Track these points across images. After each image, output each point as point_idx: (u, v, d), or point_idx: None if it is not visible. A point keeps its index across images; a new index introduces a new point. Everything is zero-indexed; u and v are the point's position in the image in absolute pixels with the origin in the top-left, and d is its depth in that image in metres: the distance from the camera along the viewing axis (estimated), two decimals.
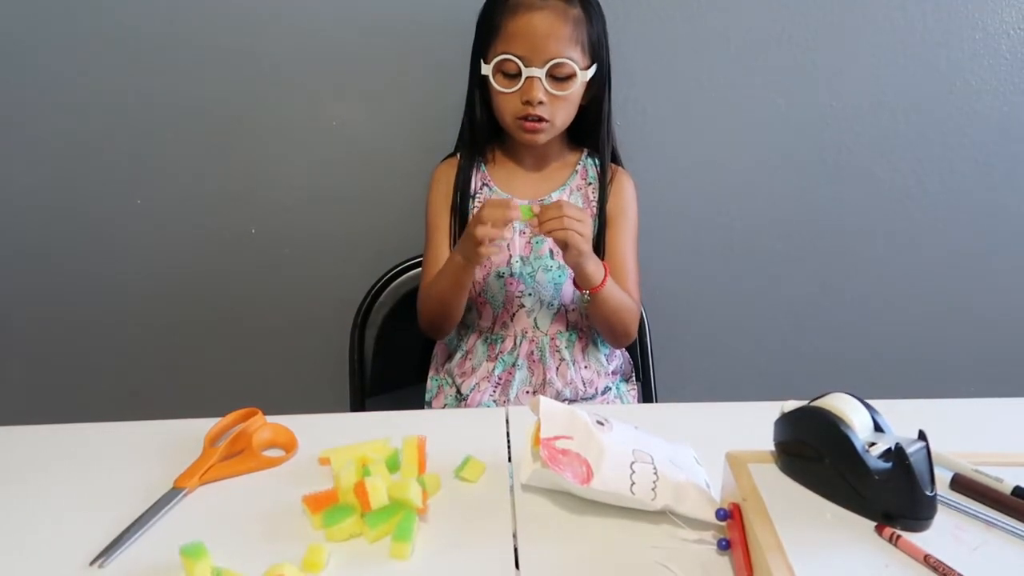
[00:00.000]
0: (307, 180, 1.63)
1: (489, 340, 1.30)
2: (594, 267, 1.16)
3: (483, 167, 1.31)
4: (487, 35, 1.20)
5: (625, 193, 1.31)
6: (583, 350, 1.32)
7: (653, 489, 0.76)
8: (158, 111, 1.56)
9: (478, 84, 1.24)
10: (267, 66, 1.54)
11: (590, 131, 1.29)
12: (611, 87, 1.26)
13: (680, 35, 1.54)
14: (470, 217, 1.27)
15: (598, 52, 1.21)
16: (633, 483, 0.76)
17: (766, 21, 1.54)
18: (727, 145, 1.63)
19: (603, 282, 1.17)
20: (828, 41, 1.55)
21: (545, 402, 0.82)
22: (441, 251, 1.27)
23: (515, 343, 1.28)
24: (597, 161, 1.31)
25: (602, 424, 0.82)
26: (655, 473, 0.77)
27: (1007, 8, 1.53)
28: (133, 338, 1.74)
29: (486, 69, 1.18)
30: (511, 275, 1.26)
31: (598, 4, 1.22)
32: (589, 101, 1.25)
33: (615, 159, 1.33)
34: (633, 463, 0.78)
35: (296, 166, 1.62)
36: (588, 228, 1.11)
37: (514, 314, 1.28)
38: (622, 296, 1.23)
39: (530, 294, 1.27)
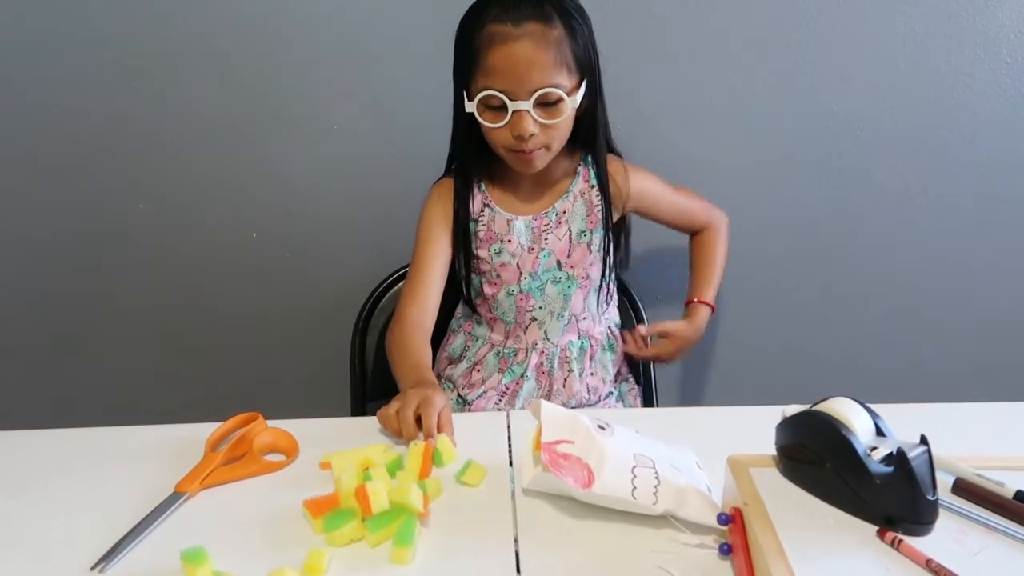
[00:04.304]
0: (308, 184, 1.63)
1: (501, 354, 1.29)
2: (704, 319, 1.35)
3: (482, 187, 1.26)
4: (466, 67, 1.12)
5: (636, 180, 1.28)
6: (591, 357, 1.31)
7: (655, 493, 0.76)
8: (159, 115, 1.57)
9: (463, 109, 1.16)
10: (268, 69, 1.54)
11: (585, 138, 1.23)
12: (603, 93, 1.20)
13: (680, 38, 1.55)
14: (473, 239, 1.24)
15: (586, 65, 1.12)
16: (635, 487, 0.76)
17: (767, 25, 1.54)
18: (728, 149, 1.63)
19: (712, 307, 1.36)
20: (829, 45, 1.55)
21: (546, 406, 0.82)
22: (428, 271, 1.22)
23: (526, 355, 1.28)
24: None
25: (603, 428, 0.82)
26: (656, 477, 0.77)
27: (1008, 12, 1.54)
28: (133, 342, 1.75)
29: (470, 106, 1.11)
30: (520, 292, 1.25)
31: (579, 11, 1.13)
32: (583, 111, 1.18)
33: (611, 150, 1.28)
34: (634, 467, 0.78)
35: (297, 170, 1.62)
36: (681, 343, 1.30)
37: (526, 327, 1.27)
38: (723, 257, 1.40)
39: (541, 307, 1.26)
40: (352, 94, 1.57)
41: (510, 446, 0.93)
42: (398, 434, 0.93)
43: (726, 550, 0.70)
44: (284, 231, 1.66)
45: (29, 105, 1.55)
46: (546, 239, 1.24)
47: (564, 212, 1.24)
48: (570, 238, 1.24)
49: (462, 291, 1.29)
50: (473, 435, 0.95)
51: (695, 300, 1.36)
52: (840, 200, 1.67)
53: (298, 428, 0.95)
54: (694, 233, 1.41)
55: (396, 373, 1.13)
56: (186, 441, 0.92)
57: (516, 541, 0.76)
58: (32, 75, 1.53)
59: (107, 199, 1.62)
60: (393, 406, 0.95)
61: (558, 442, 0.79)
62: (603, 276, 1.28)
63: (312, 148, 1.60)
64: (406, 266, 1.42)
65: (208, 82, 1.55)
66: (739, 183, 1.66)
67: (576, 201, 1.25)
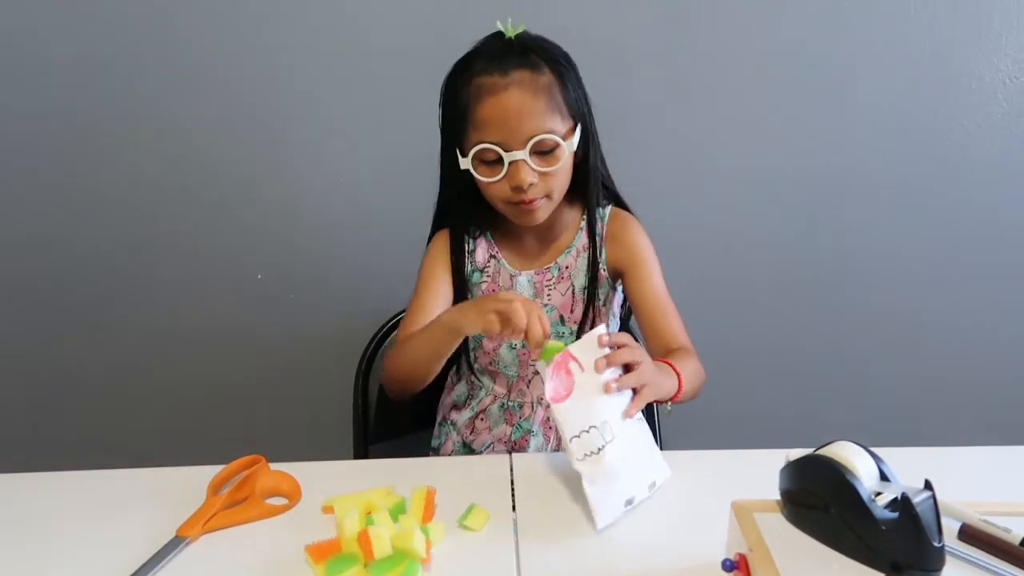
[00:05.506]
0: (313, 227, 1.65)
1: (506, 406, 1.28)
2: (668, 384, 1.00)
3: (489, 236, 1.24)
4: (456, 124, 1.09)
5: (632, 239, 1.21)
6: None
7: (586, 455, 0.83)
8: (162, 152, 1.59)
9: (453, 164, 1.12)
10: (277, 122, 1.57)
11: (584, 186, 1.19)
12: (598, 142, 1.17)
13: (682, 43, 1.57)
14: (476, 290, 1.22)
15: (577, 110, 1.10)
16: (578, 436, 0.84)
17: (770, 38, 1.58)
18: (730, 180, 1.65)
19: (679, 389, 1.02)
20: (827, 83, 1.58)
21: (593, 335, 0.89)
22: (429, 301, 1.20)
23: (532, 409, 1.26)
24: (603, 213, 1.24)
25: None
26: (600, 449, 0.83)
27: (1003, 58, 1.57)
28: (136, 384, 1.75)
29: (465, 163, 1.08)
30: (522, 346, 1.23)
31: (565, 57, 1.10)
32: (581, 159, 1.15)
33: (617, 202, 1.26)
34: (593, 427, 0.84)
35: (303, 214, 1.64)
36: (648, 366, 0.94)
37: (529, 381, 1.25)
38: (693, 372, 1.10)
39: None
40: (360, 144, 1.60)
41: (513, 490, 0.93)
42: (522, 321, 0.94)
43: None
44: (288, 273, 1.67)
45: (31, 137, 1.58)
46: (549, 295, 1.22)
47: (567, 267, 1.22)
48: (572, 293, 1.22)
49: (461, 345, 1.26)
50: (476, 479, 0.95)
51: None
52: (841, 243, 1.69)
53: (301, 471, 0.94)
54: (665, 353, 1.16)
55: (427, 344, 1.09)
56: (188, 484, 0.92)
57: None
58: (37, 107, 1.56)
59: (111, 239, 1.64)
60: (489, 321, 0.97)
61: (575, 359, 0.87)
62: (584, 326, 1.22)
63: (318, 193, 1.62)
64: None
65: (213, 127, 1.57)
66: (743, 225, 1.67)
67: (579, 256, 1.22)
